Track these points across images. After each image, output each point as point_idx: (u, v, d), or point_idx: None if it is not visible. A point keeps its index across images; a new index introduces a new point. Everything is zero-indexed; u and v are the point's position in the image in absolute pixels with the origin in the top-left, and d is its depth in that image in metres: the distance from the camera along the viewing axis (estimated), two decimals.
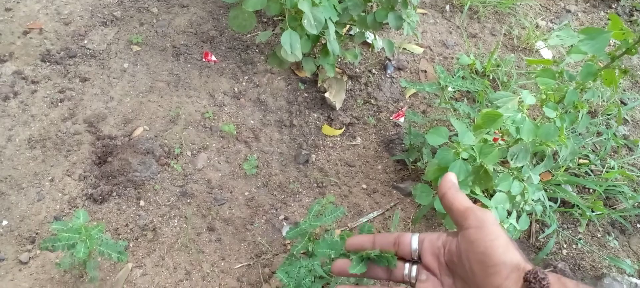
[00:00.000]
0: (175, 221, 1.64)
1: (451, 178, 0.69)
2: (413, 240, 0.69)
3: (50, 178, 1.68)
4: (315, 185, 1.83)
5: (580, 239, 1.77)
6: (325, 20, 1.61)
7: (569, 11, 2.66)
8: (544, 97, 1.41)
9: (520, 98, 1.38)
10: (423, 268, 0.69)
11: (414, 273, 0.69)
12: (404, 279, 0.71)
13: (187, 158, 1.79)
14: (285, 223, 1.71)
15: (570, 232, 1.79)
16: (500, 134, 1.67)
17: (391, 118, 2.03)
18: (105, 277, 1.50)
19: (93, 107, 1.88)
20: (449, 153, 1.39)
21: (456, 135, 1.52)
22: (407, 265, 0.70)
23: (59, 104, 1.87)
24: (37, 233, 1.56)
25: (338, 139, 1.98)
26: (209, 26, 2.23)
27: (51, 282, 1.47)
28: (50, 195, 1.65)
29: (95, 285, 1.47)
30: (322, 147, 1.94)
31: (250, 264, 1.59)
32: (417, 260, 0.70)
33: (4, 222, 1.57)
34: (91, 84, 1.95)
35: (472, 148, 1.40)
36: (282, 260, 1.60)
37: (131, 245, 1.57)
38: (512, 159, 1.39)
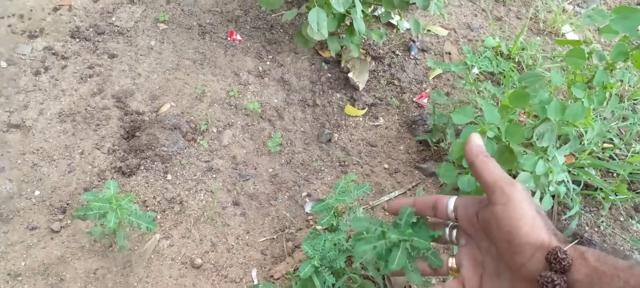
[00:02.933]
0: (202, 195, 1.67)
1: (477, 141, 0.67)
2: (449, 204, 0.70)
3: (80, 151, 1.72)
4: (338, 163, 1.85)
5: (602, 222, 1.76)
6: None
7: None
8: (572, 77, 1.41)
9: (548, 78, 1.37)
10: (461, 232, 0.70)
11: (454, 236, 0.71)
12: (447, 241, 0.72)
13: (212, 135, 1.82)
14: (307, 200, 1.73)
15: (593, 214, 1.78)
16: (526, 115, 1.67)
17: (414, 99, 2.03)
18: (134, 247, 1.54)
19: (121, 83, 1.92)
20: (475, 132, 1.39)
21: (481, 116, 1.52)
22: (447, 229, 0.71)
23: (88, 79, 1.91)
24: (68, 204, 1.61)
25: (361, 119, 1.99)
26: (234, 5, 2.25)
27: (82, 250, 1.52)
28: (80, 167, 1.69)
29: (124, 254, 1.52)
30: (344, 127, 1.95)
31: (273, 238, 1.62)
32: (455, 223, 0.71)
33: (36, 193, 1.62)
34: (119, 61, 1.99)
35: (498, 128, 1.40)
36: (304, 235, 1.62)
37: (159, 217, 1.61)
38: (537, 139, 1.39)
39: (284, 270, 1.54)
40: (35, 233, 1.54)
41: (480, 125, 1.41)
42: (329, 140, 1.90)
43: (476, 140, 0.68)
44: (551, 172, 1.45)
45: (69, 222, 1.57)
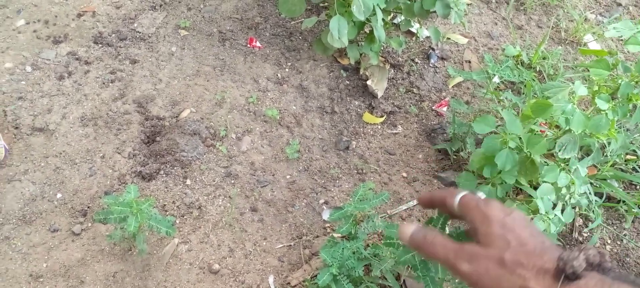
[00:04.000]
0: (220, 200, 1.68)
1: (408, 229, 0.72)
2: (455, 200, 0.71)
3: (101, 155, 1.75)
4: (355, 171, 1.84)
5: (625, 235, 1.73)
6: (374, 6, 1.62)
7: (619, 4, 2.58)
8: (595, 88, 1.39)
9: (571, 89, 1.36)
10: None
11: None
12: None
13: (231, 141, 1.83)
14: (325, 207, 1.73)
15: (615, 227, 1.75)
16: (547, 125, 1.65)
17: (433, 107, 2.02)
18: (152, 251, 1.55)
19: (142, 88, 1.94)
20: (496, 142, 1.38)
21: (501, 126, 1.51)
22: None
23: (110, 84, 1.94)
24: (88, 207, 1.63)
25: (379, 127, 1.98)
26: (254, 12, 2.26)
27: (101, 253, 1.53)
28: (101, 171, 1.71)
29: (143, 258, 1.53)
30: (362, 135, 1.95)
31: (291, 245, 1.62)
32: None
33: (58, 195, 1.64)
34: (140, 66, 2.01)
35: (520, 138, 1.39)
36: (322, 242, 1.62)
37: (177, 221, 1.62)
38: (560, 150, 1.37)
39: (301, 277, 1.53)
40: (57, 235, 1.56)
41: (502, 135, 1.40)
42: (347, 148, 1.90)
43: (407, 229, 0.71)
44: (573, 184, 1.43)
45: (89, 224, 1.59)
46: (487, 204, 0.64)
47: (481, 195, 0.69)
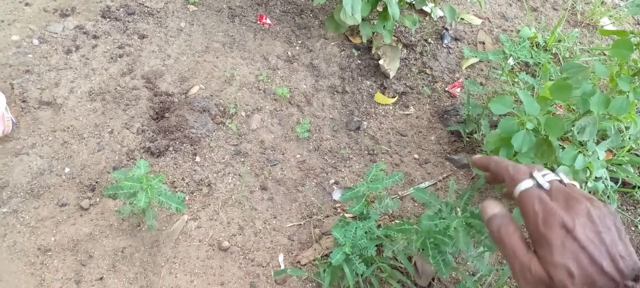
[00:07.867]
0: (230, 178, 1.66)
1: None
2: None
3: (109, 130, 1.73)
4: (366, 152, 1.82)
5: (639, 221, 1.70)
6: None
7: None
8: (617, 69, 1.35)
9: (591, 69, 1.32)
10: None
11: None
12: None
13: (241, 119, 1.81)
14: (335, 187, 1.71)
15: (630, 213, 1.73)
16: (565, 108, 1.62)
17: (446, 89, 1.99)
18: (161, 227, 1.54)
19: (151, 63, 1.91)
20: (513, 123, 1.35)
21: (517, 107, 1.48)
22: None
23: (118, 59, 1.91)
24: (97, 182, 1.61)
25: (390, 107, 1.95)
26: None
27: (110, 228, 1.52)
28: (110, 146, 1.69)
29: (152, 233, 1.51)
30: (374, 115, 1.92)
31: (301, 224, 1.61)
32: None
33: (66, 170, 1.63)
34: (149, 41, 1.98)
35: (537, 120, 1.36)
36: (332, 222, 1.60)
37: (187, 198, 1.60)
38: (578, 132, 1.34)
39: (311, 256, 1.52)
40: (65, 209, 1.54)
41: (518, 116, 1.37)
42: (358, 128, 1.87)
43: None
44: (590, 167, 1.40)
45: (97, 199, 1.58)
46: (547, 207, 0.54)
47: (563, 177, 0.59)
